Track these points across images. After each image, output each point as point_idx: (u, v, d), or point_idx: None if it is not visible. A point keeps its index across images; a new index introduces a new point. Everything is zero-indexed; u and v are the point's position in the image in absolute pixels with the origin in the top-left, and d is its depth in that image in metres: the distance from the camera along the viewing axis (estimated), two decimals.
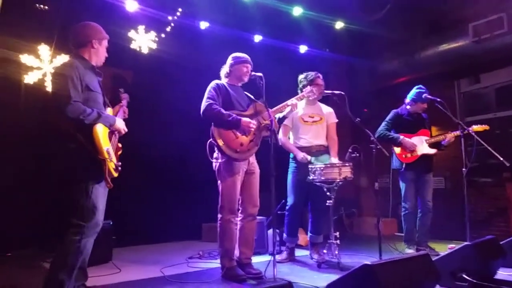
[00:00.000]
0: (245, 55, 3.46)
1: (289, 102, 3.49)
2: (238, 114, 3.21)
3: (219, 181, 3.26)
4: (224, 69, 3.46)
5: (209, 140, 3.18)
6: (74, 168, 2.42)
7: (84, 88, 2.46)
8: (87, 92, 2.47)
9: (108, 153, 2.40)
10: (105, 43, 2.71)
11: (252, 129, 3.19)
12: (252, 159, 3.36)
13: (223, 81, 3.44)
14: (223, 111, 3.14)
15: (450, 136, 4.21)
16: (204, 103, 3.20)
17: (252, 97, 3.50)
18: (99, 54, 2.67)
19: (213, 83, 3.33)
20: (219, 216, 3.23)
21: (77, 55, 2.61)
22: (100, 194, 2.48)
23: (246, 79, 3.42)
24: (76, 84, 2.40)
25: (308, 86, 3.79)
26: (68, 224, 2.38)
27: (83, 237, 2.39)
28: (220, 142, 3.11)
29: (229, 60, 3.45)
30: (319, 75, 4.08)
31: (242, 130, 3.17)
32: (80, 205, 2.39)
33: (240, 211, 3.35)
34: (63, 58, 4.39)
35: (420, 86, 4.37)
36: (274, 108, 3.37)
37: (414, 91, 4.37)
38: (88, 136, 2.36)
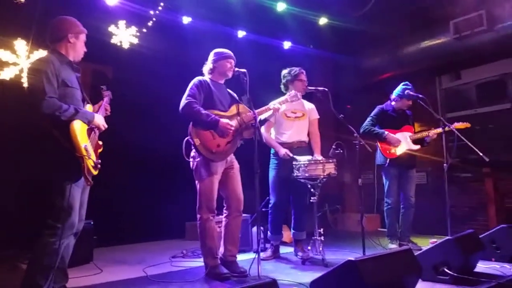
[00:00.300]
0: (228, 50, 3.41)
1: (271, 105, 3.49)
2: (218, 115, 3.17)
3: (196, 181, 3.23)
4: (207, 66, 3.40)
5: (186, 138, 3.14)
6: (50, 166, 2.37)
7: (60, 84, 2.39)
8: (63, 88, 2.41)
9: (86, 150, 2.33)
10: (82, 37, 2.64)
11: (230, 131, 3.14)
12: (230, 157, 3.33)
13: (206, 77, 3.37)
14: (202, 110, 3.09)
15: (433, 132, 4.27)
16: (183, 100, 3.14)
17: (234, 95, 3.47)
18: (76, 48, 2.60)
19: (195, 80, 3.27)
20: (198, 216, 3.20)
21: (54, 50, 2.54)
22: (77, 194, 2.42)
23: (230, 74, 3.36)
24: (51, 79, 2.34)
25: (293, 91, 3.74)
26: (43, 225, 2.32)
27: (58, 239, 2.33)
28: (197, 142, 3.08)
29: (211, 56, 3.39)
30: (303, 71, 4.08)
31: (220, 131, 3.11)
32: (56, 205, 2.33)
33: (225, 208, 3.34)
34: (41, 54, 4.28)
35: (406, 82, 4.40)
36: (257, 110, 3.32)
37: (400, 87, 4.41)
38: (65, 133, 2.29)
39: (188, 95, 3.15)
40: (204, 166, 3.15)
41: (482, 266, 3.24)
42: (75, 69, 2.59)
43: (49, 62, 2.39)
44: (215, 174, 3.16)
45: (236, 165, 3.39)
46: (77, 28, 2.60)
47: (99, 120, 2.58)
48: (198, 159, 3.16)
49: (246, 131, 3.26)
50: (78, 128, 2.34)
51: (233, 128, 3.15)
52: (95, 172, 2.43)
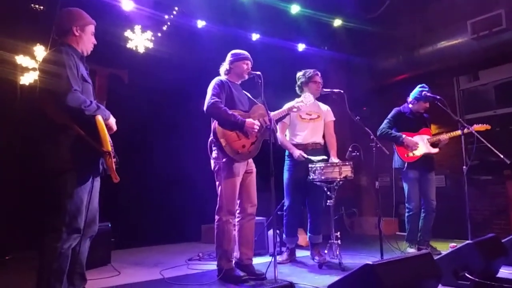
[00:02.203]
0: (245, 51, 3.40)
1: (285, 108, 3.46)
2: (241, 115, 3.14)
3: (217, 182, 3.20)
4: (224, 66, 3.39)
5: (210, 138, 3.12)
6: (67, 165, 2.24)
7: (80, 77, 2.32)
8: (81, 82, 2.33)
9: (111, 145, 2.29)
10: (89, 29, 2.50)
11: (255, 131, 3.11)
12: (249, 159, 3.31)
13: (223, 78, 3.36)
14: (228, 110, 3.06)
15: (445, 137, 4.21)
16: (208, 99, 3.10)
17: (250, 96, 3.47)
18: (83, 41, 2.46)
19: (216, 79, 3.24)
20: (217, 217, 3.17)
21: (64, 44, 2.42)
22: (84, 197, 2.31)
23: (246, 76, 3.34)
24: (74, 71, 2.26)
25: (307, 93, 3.62)
26: (47, 228, 2.22)
27: (63, 243, 2.22)
28: (223, 142, 3.03)
29: (229, 57, 3.38)
30: (317, 72, 4.05)
31: (245, 132, 3.09)
32: (64, 208, 2.21)
33: (238, 212, 3.30)
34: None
35: (423, 85, 4.34)
36: (272, 113, 3.31)
37: (417, 89, 4.34)
38: (89, 128, 2.21)
39: (212, 95, 3.10)
40: (227, 168, 3.12)
41: (505, 272, 3.14)
42: (85, 66, 2.51)
43: (69, 54, 2.29)
44: (237, 176, 3.14)
45: (254, 169, 3.37)
46: (83, 20, 2.48)
47: (113, 120, 2.50)
48: (223, 160, 3.11)
49: (265, 132, 3.22)
50: (102, 123, 2.27)
51: (257, 128, 3.11)
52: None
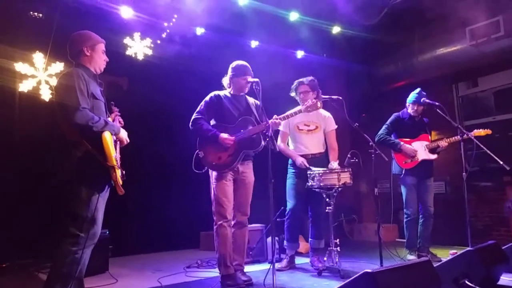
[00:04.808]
0: (245, 64, 3.47)
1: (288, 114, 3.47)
2: (224, 128, 3.32)
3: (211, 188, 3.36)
4: (225, 80, 3.53)
5: (196, 151, 3.35)
6: (79, 177, 2.38)
7: (90, 95, 2.44)
8: (92, 100, 2.46)
9: (116, 160, 2.39)
10: (99, 47, 2.65)
11: (229, 145, 3.25)
12: (243, 168, 3.38)
13: (225, 91, 3.51)
14: (204, 126, 3.31)
15: (443, 144, 4.20)
16: (193, 116, 3.39)
17: (254, 105, 3.50)
18: (95, 60, 2.62)
19: (209, 96, 3.46)
20: (214, 221, 3.28)
21: (78, 64, 2.59)
22: (101, 206, 2.45)
23: (246, 90, 3.50)
24: (83, 91, 2.39)
25: (309, 100, 3.56)
26: (66, 233, 2.33)
27: (80, 248, 2.33)
28: (201, 154, 3.32)
29: (230, 72, 3.49)
30: (302, 80, 4.04)
31: (220, 145, 3.26)
32: (80, 215, 2.34)
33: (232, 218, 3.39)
34: (58, 66, 4.37)
35: (419, 89, 4.35)
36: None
37: (412, 94, 4.36)
38: (96, 143, 2.33)
39: (197, 112, 3.41)
40: (215, 174, 3.31)
41: (506, 279, 3.12)
42: (99, 83, 2.64)
43: (79, 75, 2.43)
44: (224, 180, 3.28)
45: (250, 179, 3.43)
46: (92, 41, 2.63)
47: (124, 133, 2.64)
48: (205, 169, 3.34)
49: (246, 144, 3.30)
50: (109, 139, 2.38)
51: (231, 142, 3.25)
52: (121, 182, 2.46)
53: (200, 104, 3.43)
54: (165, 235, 5.14)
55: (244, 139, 3.28)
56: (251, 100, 3.55)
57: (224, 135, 3.25)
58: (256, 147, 3.29)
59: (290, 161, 4.04)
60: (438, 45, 5.49)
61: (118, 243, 4.17)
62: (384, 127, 4.42)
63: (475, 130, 4.07)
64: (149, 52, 4.96)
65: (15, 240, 4.04)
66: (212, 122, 3.43)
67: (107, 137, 2.36)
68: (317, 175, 3.56)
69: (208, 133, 3.28)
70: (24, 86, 4.26)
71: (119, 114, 2.86)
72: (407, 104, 4.43)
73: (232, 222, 3.36)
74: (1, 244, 3.95)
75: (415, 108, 4.33)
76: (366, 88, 6.54)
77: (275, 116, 3.36)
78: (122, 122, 2.83)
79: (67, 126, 2.38)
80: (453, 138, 4.16)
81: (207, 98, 3.44)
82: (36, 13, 4.30)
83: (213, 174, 3.32)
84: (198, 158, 3.34)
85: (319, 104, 3.46)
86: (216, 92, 3.48)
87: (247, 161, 3.42)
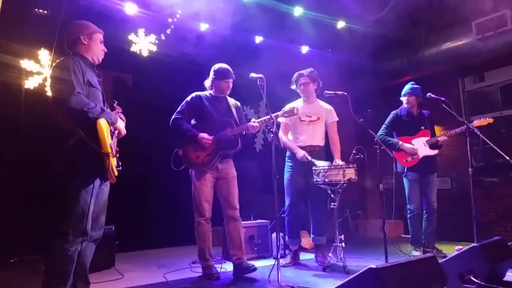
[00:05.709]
0: (227, 67, 3.51)
1: (286, 108, 3.49)
2: (203, 128, 3.40)
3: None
4: (207, 82, 3.61)
5: (175, 149, 3.45)
6: (70, 171, 2.32)
7: (86, 82, 2.40)
8: (88, 87, 2.41)
9: (111, 147, 2.33)
10: (97, 37, 2.61)
11: (207, 145, 3.34)
12: (222, 166, 3.45)
13: (207, 91, 3.60)
14: (184, 126, 3.41)
15: (443, 138, 4.18)
16: (173, 116, 3.50)
17: (235, 106, 3.59)
18: (92, 49, 2.58)
19: (190, 96, 3.55)
20: (194, 218, 3.45)
21: (75, 53, 2.55)
22: (91, 200, 2.35)
23: (227, 92, 3.57)
24: (78, 76, 2.35)
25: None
26: (55, 231, 2.28)
27: (70, 245, 2.27)
28: (180, 152, 3.43)
29: (211, 74, 3.55)
30: (302, 72, 4.04)
31: (198, 144, 3.35)
32: (70, 212, 2.27)
33: (224, 216, 3.51)
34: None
35: (412, 82, 4.40)
36: (259, 120, 3.40)
37: (408, 86, 4.38)
38: (91, 130, 2.26)
39: (177, 111, 3.51)
40: (194, 173, 3.43)
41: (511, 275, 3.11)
42: (97, 74, 2.61)
43: (75, 60, 2.40)
44: (203, 180, 3.38)
45: (232, 174, 3.51)
46: (89, 29, 2.59)
47: (121, 124, 2.58)
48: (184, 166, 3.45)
49: (226, 146, 3.38)
50: (104, 125, 2.32)
51: (209, 142, 3.33)
52: (116, 173, 2.39)
53: (181, 104, 3.52)
54: (170, 231, 5.16)
55: (222, 140, 3.37)
56: (232, 101, 3.62)
57: (203, 135, 3.35)
58: (234, 148, 3.39)
59: (288, 154, 4.02)
60: (444, 40, 5.45)
61: (124, 239, 4.19)
62: (383, 127, 4.40)
63: (476, 120, 4.03)
64: (154, 48, 4.96)
65: (23, 235, 4.08)
66: (193, 122, 3.51)
67: (103, 124, 2.30)
68: (322, 171, 3.55)
69: (187, 133, 3.38)
70: (30, 83, 4.27)
71: (120, 111, 2.83)
72: (401, 99, 4.41)
73: (224, 220, 3.50)
74: (9, 240, 3.99)
75: (407, 99, 4.32)
76: (371, 83, 6.49)
77: (253, 120, 3.41)
78: (124, 120, 2.80)
79: (62, 113, 2.30)
80: (453, 131, 4.12)
81: (188, 98, 3.53)
82: (41, 10, 4.31)
83: (193, 173, 3.43)
84: (177, 156, 3.44)
85: (295, 110, 3.40)
86: (198, 93, 3.57)
87: (226, 159, 3.49)
